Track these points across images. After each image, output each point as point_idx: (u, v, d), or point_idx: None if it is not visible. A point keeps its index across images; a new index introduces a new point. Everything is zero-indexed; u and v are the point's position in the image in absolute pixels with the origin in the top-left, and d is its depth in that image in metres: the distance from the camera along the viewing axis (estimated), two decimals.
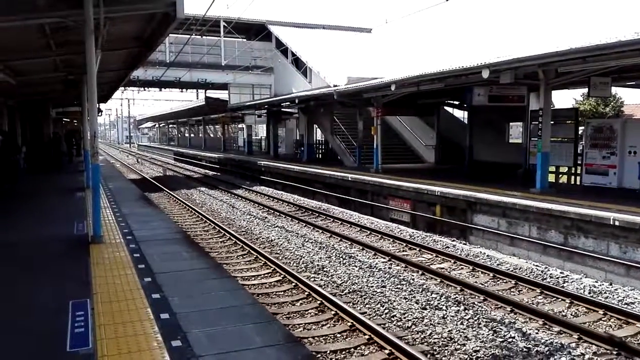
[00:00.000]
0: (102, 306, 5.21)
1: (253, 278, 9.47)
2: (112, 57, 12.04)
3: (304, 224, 14.58)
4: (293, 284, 8.91)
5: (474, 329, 6.95)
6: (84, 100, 14.53)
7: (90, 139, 8.40)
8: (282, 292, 8.64)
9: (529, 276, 9.39)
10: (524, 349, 6.34)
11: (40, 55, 11.15)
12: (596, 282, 9.15)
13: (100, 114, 26.83)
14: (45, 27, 8.56)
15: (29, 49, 10.49)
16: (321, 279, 9.34)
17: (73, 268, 6.70)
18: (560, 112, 15.27)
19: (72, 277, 6.30)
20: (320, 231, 13.59)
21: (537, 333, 6.82)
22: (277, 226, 14.34)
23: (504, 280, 9.21)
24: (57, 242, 8.36)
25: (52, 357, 4.20)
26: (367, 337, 6.59)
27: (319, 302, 7.93)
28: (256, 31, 36.54)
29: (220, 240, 12.60)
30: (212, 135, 59.64)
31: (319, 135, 30.53)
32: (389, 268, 10.03)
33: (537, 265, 10.21)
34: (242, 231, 13.69)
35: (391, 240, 12.50)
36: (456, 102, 22.55)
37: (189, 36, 26.99)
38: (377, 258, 10.83)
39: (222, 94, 39.33)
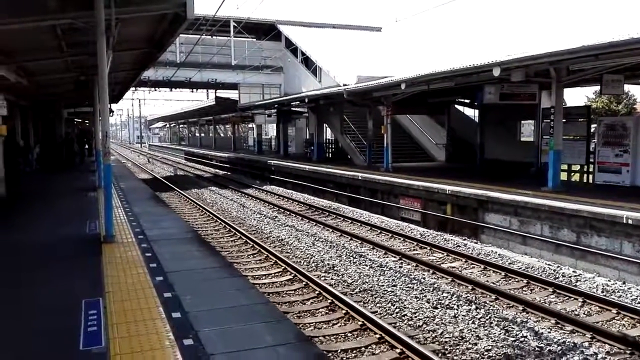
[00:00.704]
0: (114, 305, 5.25)
1: (264, 277, 9.49)
2: (123, 58, 12.13)
3: (314, 223, 14.59)
4: (303, 283, 8.92)
5: (485, 328, 6.91)
6: (96, 100, 14.61)
7: (102, 138, 8.46)
8: (293, 291, 8.65)
9: (541, 275, 9.32)
10: (537, 349, 6.29)
11: (52, 56, 11.25)
12: (609, 281, 9.07)
13: (111, 114, 27.05)
14: (57, 28, 8.63)
15: (41, 50, 10.58)
16: (332, 278, 9.34)
17: (85, 267, 6.77)
18: (572, 110, 15.14)
19: (84, 276, 6.37)
20: (331, 230, 13.59)
21: (549, 332, 6.77)
22: (287, 225, 14.36)
23: (516, 279, 9.16)
24: (70, 241, 8.44)
25: (65, 355, 4.25)
26: (378, 336, 6.58)
27: (329, 301, 7.93)
28: (266, 31, 36.64)
29: (231, 239, 12.65)
30: (222, 134, 59.83)
31: (328, 134, 30.52)
32: (400, 267, 10.00)
33: (549, 264, 10.14)
34: (253, 230, 13.72)
35: (402, 239, 12.47)
36: (467, 101, 22.41)
37: (199, 36, 27.06)
38: (387, 257, 10.80)
39: (232, 94, 39.45)
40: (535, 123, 18.07)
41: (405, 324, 7.19)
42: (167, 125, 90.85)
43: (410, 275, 9.40)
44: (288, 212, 16.56)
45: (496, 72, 12.08)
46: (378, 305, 7.93)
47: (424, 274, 9.52)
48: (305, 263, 10.39)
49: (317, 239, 12.48)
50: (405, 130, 27.54)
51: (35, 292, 5.84)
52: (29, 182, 17.55)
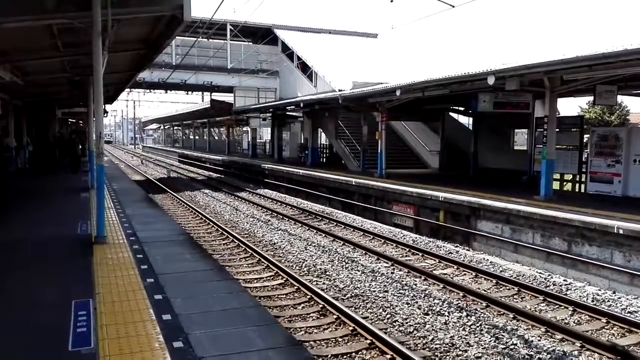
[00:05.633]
0: (104, 306, 5.22)
1: (255, 281, 9.47)
2: (118, 59, 12.10)
3: (307, 228, 14.57)
4: (295, 287, 8.90)
5: (476, 336, 6.93)
6: (90, 101, 14.59)
7: (95, 139, 8.44)
8: (284, 295, 8.63)
9: (532, 283, 9.35)
10: (526, 356, 6.31)
11: (47, 56, 11.23)
12: (600, 290, 9.11)
13: (105, 115, 26.92)
14: (53, 28, 8.62)
15: (37, 50, 10.58)
16: (323, 283, 9.33)
17: (76, 268, 6.73)
18: (566, 120, 15.24)
19: (74, 276, 6.33)
20: (323, 235, 13.58)
21: (539, 340, 6.79)
22: (280, 229, 14.35)
23: (507, 287, 9.18)
24: (61, 241, 8.38)
25: (54, 356, 4.22)
26: (368, 341, 6.58)
27: (321, 305, 7.92)
28: (262, 35, 36.71)
29: (223, 242, 12.61)
30: (216, 137, 59.77)
31: (323, 139, 30.55)
32: (392, 273, 10.01)
33: (540, 273, 10.18)
34: (245, 234, 13.69)
35: (394, 245, 12.49)
36: (461, 108, 22.54)
37: (195, 39, 27.09)
38: (379, 263, 10.81)
39: (227, 97, 39.48)
40: (529, 132, 18.18)
41: (397, 329, 7.19)
42: (162, 127, 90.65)
43: (402, 281, 9.41)
44: (281, 216, 16.54)
45: (491, 80, 12.16)
46: (369, 310, 7.93)
47: (415, 280, 9.53)
48: (297, 267, 10.38)
49: (309, 244, 12.47)
50: (399, 137, 27.61)
51: (25, 292, 5.80)
52: (19, 181, 17.44)
